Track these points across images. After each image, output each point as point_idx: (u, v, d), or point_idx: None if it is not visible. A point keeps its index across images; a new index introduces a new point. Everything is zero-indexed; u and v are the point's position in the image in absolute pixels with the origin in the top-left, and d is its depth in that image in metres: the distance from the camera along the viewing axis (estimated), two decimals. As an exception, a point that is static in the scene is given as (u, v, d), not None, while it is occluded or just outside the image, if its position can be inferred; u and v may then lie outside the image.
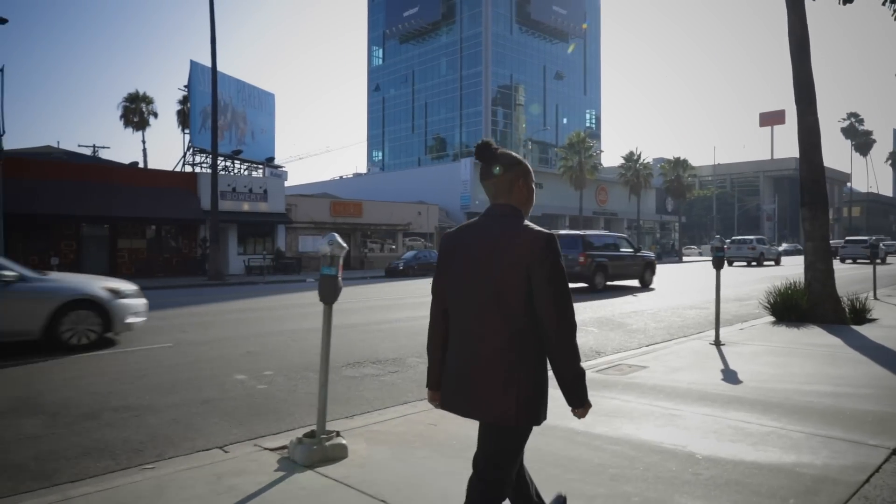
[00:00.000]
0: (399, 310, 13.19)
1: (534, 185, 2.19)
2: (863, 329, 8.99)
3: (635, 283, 19.03)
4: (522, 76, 70.63)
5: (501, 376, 1.99)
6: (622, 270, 18.18)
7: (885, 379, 5.69)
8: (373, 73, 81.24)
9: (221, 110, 34.26)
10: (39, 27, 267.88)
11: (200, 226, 28.92)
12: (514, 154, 2.16)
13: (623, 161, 52.13)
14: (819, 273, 10.00)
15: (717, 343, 7.73)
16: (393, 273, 28.61)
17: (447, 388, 2.15)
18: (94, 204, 26.36)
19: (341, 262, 3.75)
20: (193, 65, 31.57)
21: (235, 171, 35.38)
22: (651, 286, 18.90)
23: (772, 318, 10.17)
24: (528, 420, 2.00)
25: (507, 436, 2.06)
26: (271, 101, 37.97)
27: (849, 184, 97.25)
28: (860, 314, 9.86)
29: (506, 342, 1.99)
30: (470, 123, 67.88)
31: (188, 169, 33.24)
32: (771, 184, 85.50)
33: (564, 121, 73.87)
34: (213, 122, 26.22)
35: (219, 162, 34.57)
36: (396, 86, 77.10)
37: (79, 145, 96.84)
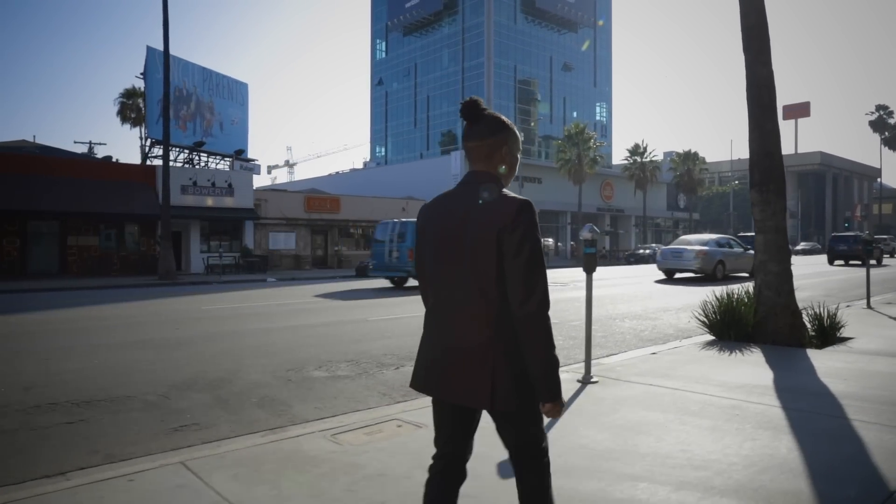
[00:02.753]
0: (276, 318, 10.95)
1: (519, 155, 1.99)
2: (821, 355, 6.49)
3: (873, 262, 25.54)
4: (528, 67, 67.52)
5: (475, 355, 1.79)
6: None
7: (780, 470, 3.22)
8: (376, 66, 78.88)
9: (184, 100, 32.41)
10: (47, 23, 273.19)
11: (159, 222, 27.13)
12: (502, 117, 1.95)
13: (628, 154, 49.37)
14: (772, 277, 7.48)
15: (586, 380, 5.35)
16: (363, 272, 26.41)
17: (419, 369, 1.95)
18: (42, 198, 24.72)
19: None
20: (150, 51, 29.63)
21: (202, 164, 33.50)
22: (884, 263, 31.28)
23: (711, 337, 7.75)
24: (504, 404, 1.78)
25: (509, 423, 1.86)
26: (244, 90, 35.84)
27: (879, 179, 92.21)
28: (828, 332, 7.36)
29: (481, 320, 1.79)
30: (472, 117, 65.08)
31: (155, 163, 31.55)
32: (794, 179, 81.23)
33: (574, 114, 70.61)
34: (164, 107, 24.36)
35: (182, 154, 32.86)
36: (399, 79, 74.57)
37: (74, 142, 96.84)
